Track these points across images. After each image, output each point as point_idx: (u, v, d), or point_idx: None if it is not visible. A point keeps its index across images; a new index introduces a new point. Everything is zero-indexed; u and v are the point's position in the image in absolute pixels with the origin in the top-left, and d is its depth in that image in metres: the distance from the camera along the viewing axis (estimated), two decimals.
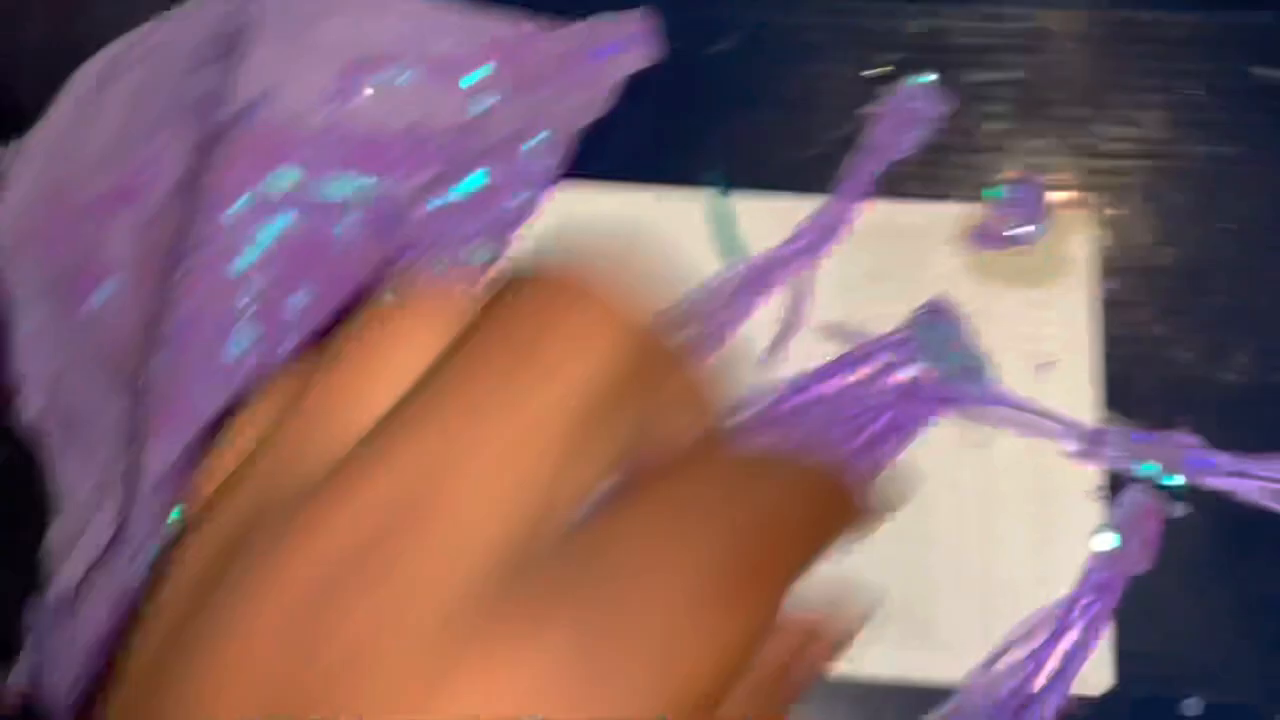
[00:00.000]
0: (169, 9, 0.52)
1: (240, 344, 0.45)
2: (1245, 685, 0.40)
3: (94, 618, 0.41)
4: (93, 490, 0.47)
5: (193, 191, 0.48)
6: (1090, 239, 0.46)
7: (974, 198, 0.46)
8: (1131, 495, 0.42)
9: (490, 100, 0.47)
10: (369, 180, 0.47)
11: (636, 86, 0.48)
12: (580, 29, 0.47)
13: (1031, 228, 0.45)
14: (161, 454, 0.43)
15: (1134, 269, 0.45)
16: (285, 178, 0.46)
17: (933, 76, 0.47)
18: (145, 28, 0.53)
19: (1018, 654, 0.40)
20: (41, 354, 0.50)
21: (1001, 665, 0.40)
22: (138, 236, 0.51)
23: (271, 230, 0.46)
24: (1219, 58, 0.47)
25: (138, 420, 0.45)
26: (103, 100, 0.52)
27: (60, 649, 0.41)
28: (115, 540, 0.42)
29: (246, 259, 0.45)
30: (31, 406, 0.49)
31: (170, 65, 0.51)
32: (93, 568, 0.42)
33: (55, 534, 0.46)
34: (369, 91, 0.48)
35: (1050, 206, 0.45)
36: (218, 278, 0.45)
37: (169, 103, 0.51)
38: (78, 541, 0.46)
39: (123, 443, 0.46)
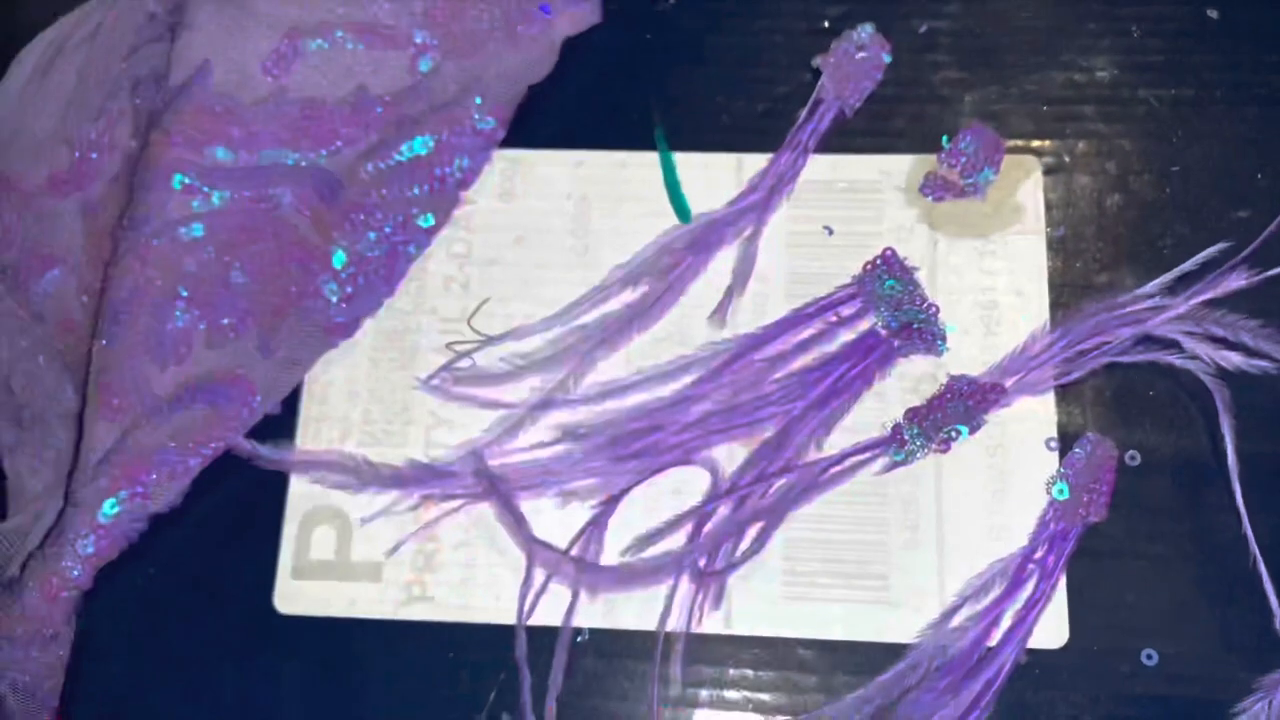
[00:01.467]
0: None
1: (181, 319, 0.44)
2: (1200, 634, 0.40)
3: (31, 606, 0.40)
4: (47, 485, 0.46)
5: (133, 172, 0.47)
6: (1040, 187, 0.45)
7: (923, 149, 0.46)
8: (1085, 445, 0.41)
9: (429, 64, 0.47)
10: (308, 152, 0.46)
11: (579, 47, 0.47)
12: None
13: (981, 177, 0.44)
14: (102, 436, 0.42)
15: (1084, 216, 0.45)
16: (222, 153, 0.46)
17: (876, 27, 0.46)
18: (82, 9, 0.52)
19: (972, 609, 0.40)
20: None
21: (956, 621, 0.40)
22: (83, 223, 0.50)
23: (210, 206, 0.45)
24: (1171, 1, 0.47)
25: (83, 402, 0.45)
26: (45, 85, 0.51)
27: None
28: (55, 527, 0.41)
29: (185, 235, 0.45)
30: None
31: (110, 47, 0.51)
32: (31, 555, 0.41)
33: (6, 529, 0.46)
34: (307, 60, 0.47)
35: (999, 155, 0.45)
36: (156, 254, 0.44)
37: (110, 86, 0.50)
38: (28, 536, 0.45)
39: (72, 434, 0.46)
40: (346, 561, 0.43)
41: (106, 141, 0.51)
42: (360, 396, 0.45)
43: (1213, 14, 0.46)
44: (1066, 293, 0.43)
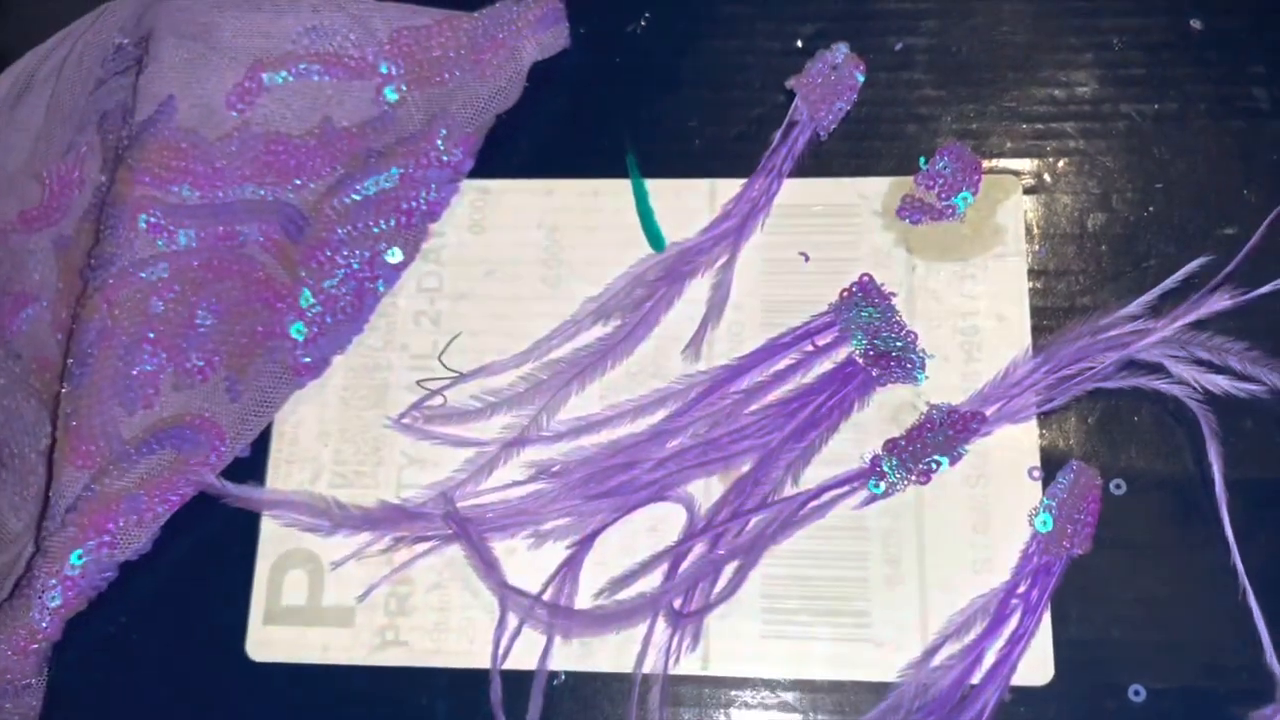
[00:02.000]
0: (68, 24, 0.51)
1: (148, 362, 0.43)
2: (1189, 669, 0.38)
3: (3, 657, 0.40)
4: (28, 522, 0.46)
5: (102, 208, 0.46)
6: (1019, 207, 0.44)
7: (901, 171, 0.45)
8: (1069, 473, 0.40)
9: (395, 95, 0.46)
10: (273, 188, 0.45)
11: (547, 73, 0.46)
12: (484, 15, 0.46)
13: (959, 199, 0.43)
14: (70, 483, 0.42)
15: (1065, 235, 0.44)
16: (188, 191, 0.45)
17: (850, 46, 0.45)
18: (49, 43, 0.51)
19: (955, 646, 0.39)
20: None
21: (938, 659, 0.39)
22: (56, 259, 0.49)
23: (175, 245, 0.44)
24: (1152, 10, 0.46)
25: (54, 446, 0.44)
26: (13, 119, 0.51)
27: None
28: (24, 576, 0.41)
29: (151, 275, 0.44)
30: None
31: (77, 80, 0.50)
32: (1, 606, 0.41)
33: None
34: (271, 93, 0.46)
35: (978, 176, 0.44)
36: (123, 296, 0.43)
37: (79, 119, 0.50)
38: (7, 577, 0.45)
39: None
40: (318, 606, 0.42)
41: (77, 176, 0.50)
42: (331, 436, 0.44)
43: (1196, 24, 0.45)
44: (1049, 316, 0.42)
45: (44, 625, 0.40)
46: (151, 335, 0.43)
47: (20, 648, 0.40)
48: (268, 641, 0.42)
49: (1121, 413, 0.41)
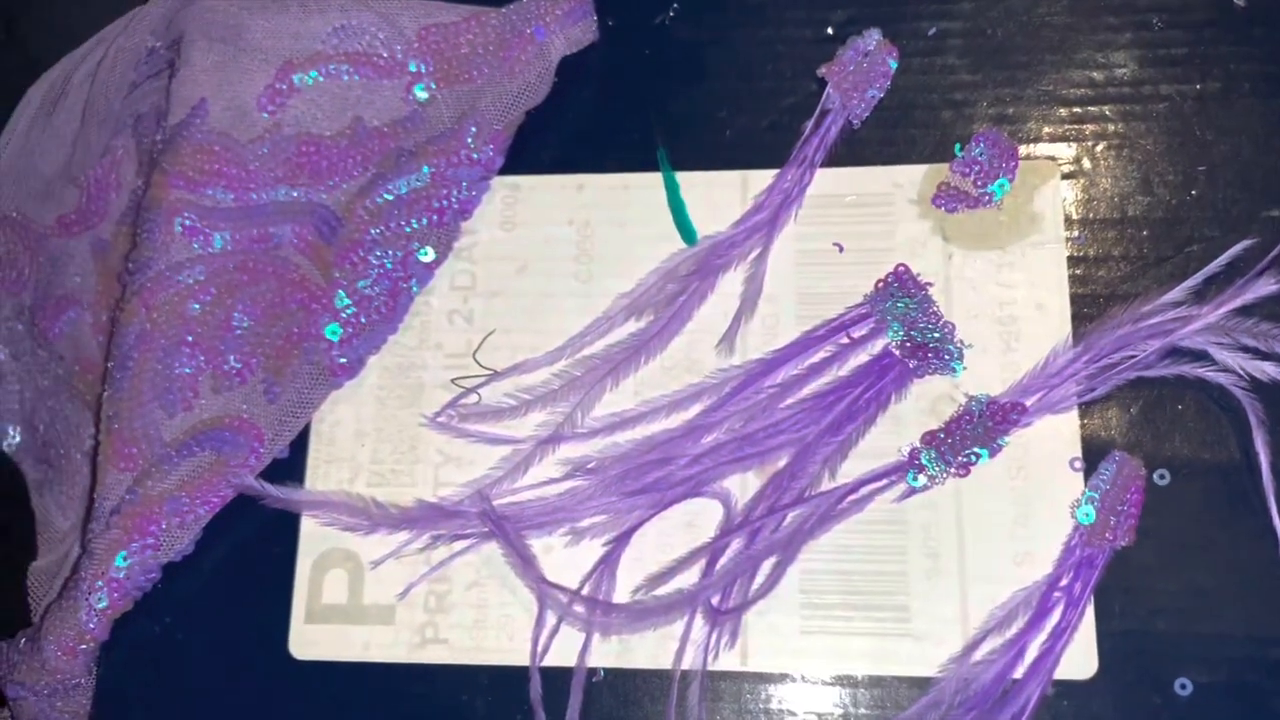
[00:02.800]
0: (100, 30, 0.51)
1: (187, 364, 0.44)
2: (1236, 662, 0.38)
3: (51, 659, 0.40)
4: (74, 522, 0.47)
5: (138, 211, 0.47)
6: (1058, 193, 0.43)
7: (936, 158, 0.44)
8: (1111, 464, 0.39)
9: (425, 93, 0.46)
10: (306, 189, 0.45)
11: (576, 67, 0.46)
12: (511, 11, 0.45)
13: (996, 186, 0.43)
14: (113, 485, 0.42)
15: (1105, 221, 0.43)
16: (221, 193, 0.45)
17: (882, 32, 0.45)
18: (82, 49, 0.52)
19: (996, 640, 0.38)
20: (11, 386, 0.49)
21: (980, 654, 0.38)
22: (95, 262, 0.50)
23: (211, 248, 0.45)
24: None
25: (97, 449, 0.45)
26: (50, 125, 0.51)
27: (25, 696, 0.41)
28: (70, 578, 0.42)
29: (188, 278, 0.44)
30: (9, 440, 0.48)
31: (111, 84, 0.50)
32: (49, 608, 0.41)
33: (36, 570, 0.46)
34: (302, 94, 0.46)
35: (1015, 162, 0.43)
36: (161, 299, 0.44)
37: (114, 123, 0.50)
38: (56, 577, 0.46)
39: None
40: (359, 605, 0.42)
41: (114, 180, 0.51)
42: (368, 436, 0.44)
43: (1239, 1, 0.44)
44: (1089, 304, 0.42)
45: (91, 626, 0.41)
46: (190, 338, 0.44)
47: (69, 648, 0.41)
48: (310, 640, 0.42)
49: (1165, 401, 0.40)
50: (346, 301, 0.44)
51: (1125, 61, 0.44)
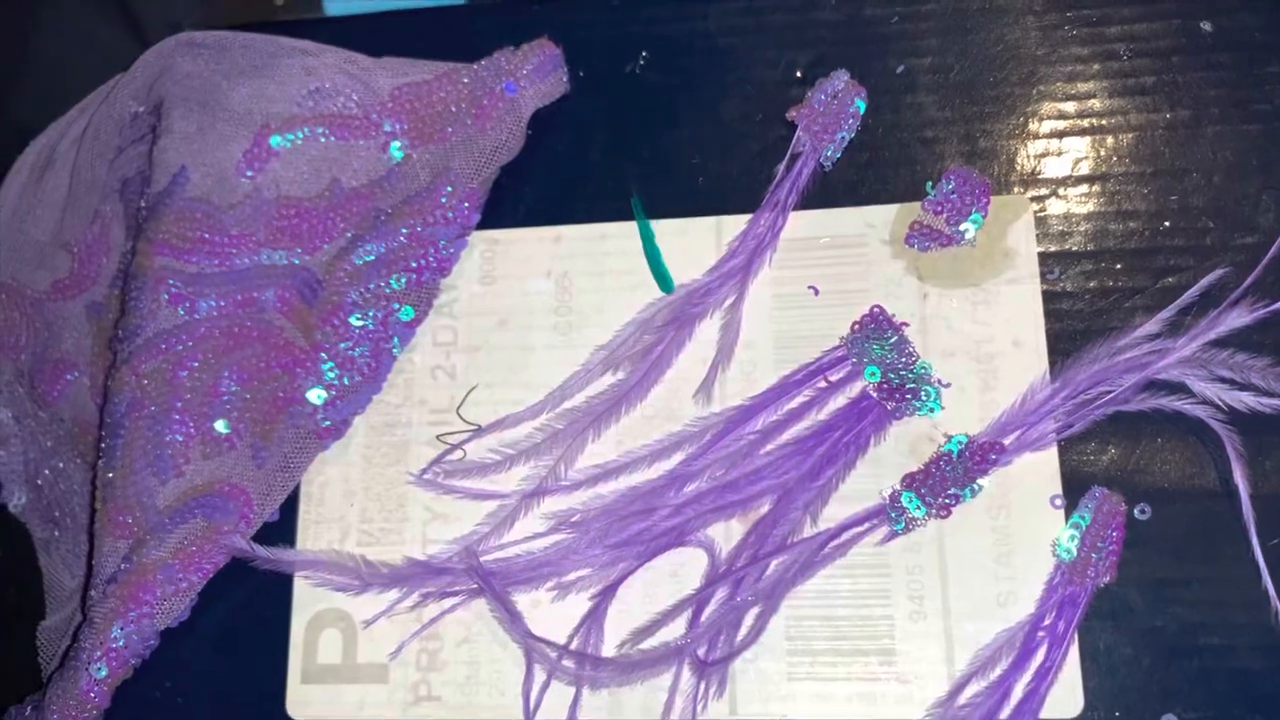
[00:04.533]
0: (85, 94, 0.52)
1: (179, 431, 0.44)
2: (1223, 696, 0.38)
3: None
4: (79, 583, 0.47)
5: (126, 279, 0.48)
6: (1031, 228, 0.43)
7: (909, 197, 0.44)
8: (1092, 500, 0.40)
9: (400, 152, 0.46)
10: (287, 252, 0.46)
11: (549, 120, 0.46)
12: (482, 68, 0.46)
13: (969, 222, 0.43)
14: (109, 554, 0.43)
15: (1079, 254, 0.43)
16: (205, 260, 0.46)
17: (850, 74, 0.45)
18: (68, 115, 0.53)
19: (981, 682, 0.39)
20: (15, 449, 0.50)
21: (965, 696, 0.38)
22: (90, 325, 0.51)
23: (196, 314, 0.45)
24: (1160, 15, 0.44)
25: (92, 516, 0.45)
26: (40, 191, 0.52)
27: None
28: (71, 647, 0.42)
29: (175, 345, 0.45)
30: (16, 501, 0.49)
31: (97, 149, 0.51)
32: (51, 678, 0.42)
33: (44, 631, 0.47)
34: (280, 157, 0.47)
35: (986, 198, 0.43)
36: (150, 366, 0.44)
37: (101, 188, 0.51)
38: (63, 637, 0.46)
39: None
40: (353, 664, 0.43)
41: (104, 244, 0.51)
42: (356, 495, 0.45)
43: (1206, 27, 0.44)
44: (1066, 339, 0.42)
45: (93, 695, 0.42)
46: (179, 404, 0.44)
47: (72, 718, 0.42)
48: (307, 700, 0.43)
49: (1143, 436, 0.40)
50: (330, 364, 0.44)
51: (1094, 92, 0.44)
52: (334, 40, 0.48)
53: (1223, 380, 0.39)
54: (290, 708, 0.43)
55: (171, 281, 0.46)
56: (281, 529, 0.44)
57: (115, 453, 0.44)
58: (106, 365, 0.49)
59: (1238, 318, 0.39)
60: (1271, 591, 0.38)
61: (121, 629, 0.41)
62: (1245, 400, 0.39)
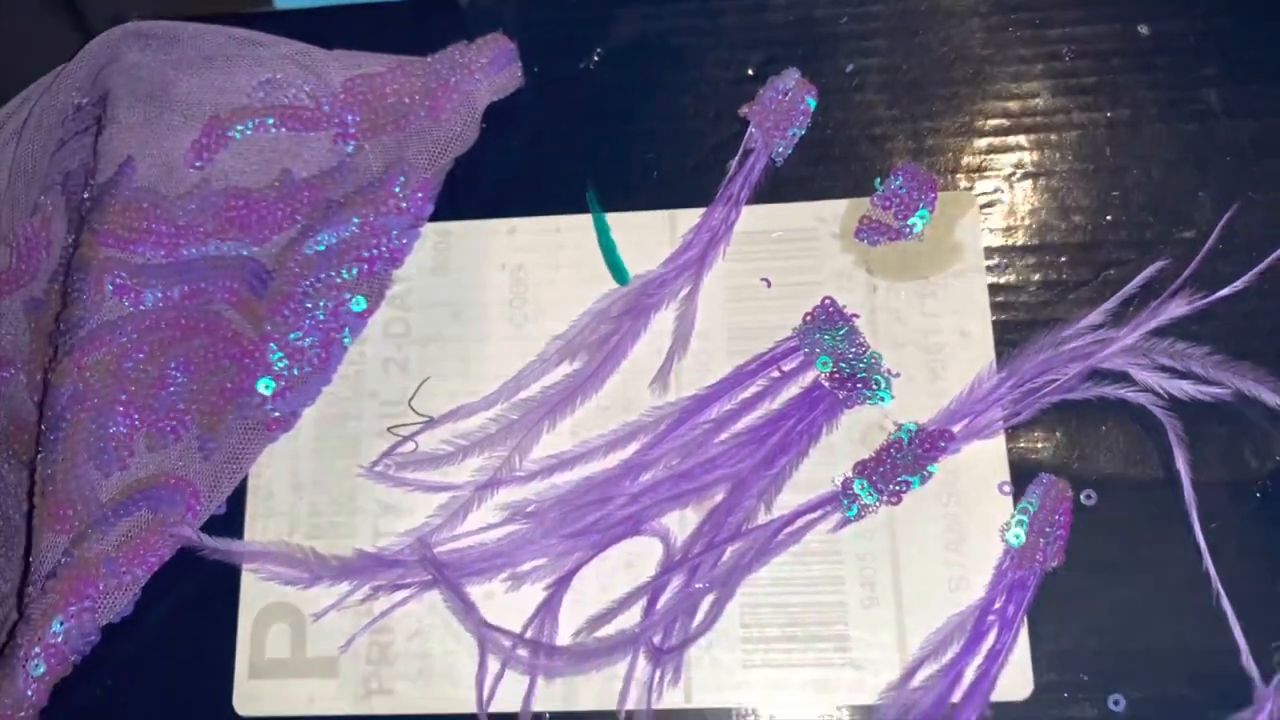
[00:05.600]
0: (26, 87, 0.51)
1: (122, 423, 0.43)
2: (1167, 676, 0.39)
3: None
4: (12, 587, 0.46)
5: (68, 271, 0.47)
6: (977, 223, 0.44)
7: (858, 192, 0.45)
8: (1039, 486, 0.40)
9: (353, 144, 0.46)
10: (236, 243, 0.45)
11: (503, 113, 0.47)
12: (436, 60, 0.46)
13: (916, 217, 0.44)
14: (48, 548, 0.42)
15: (1024, 248, 0.44)
16: (151, 251, 0.45)
17: (801, 71, 0.45)
18: (8, 106, 0.51)
19: (934, 666, 0.39)
20: None
21: (918, 680, 0.39)
22: (28, 320, 0.50)
23: (142, 305, 0.44)
24: (1100, 18, 0.46)
25: (32, 511, 0.44)
26: None
27: None
28: (6, 645, 0.41)
29: (120, 336, 0.44)
30: None
31: (39, 141, 0.50)
32: None
33: None
34: (230, 148, 0.46)
35: (933, 194, 0.44)
36: (94, 358, 0.44)
37: (42, 180, 0.50)
38: None
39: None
40: (302, 658, 0.42)
41: (44, 238, 0.50)
42: (305, 488, 0.44)
43: (1144, 30, 0.45)
44: (1012, 330, 0.43)
45: (29, 694, 0.40)
46: (124, 396, 0.44)
47: (8, 717, 0.40)
48: (254, 695, 0.42)
49: (1088, 423, 0.41)
50: (279, 354, 0.44)
51: (1038, 92, 0.45)
52: (284, 35, 0.47)
53: (1164, 369, 0.40)
54: (238, 704, 0.42)
55: (117, 273, 0.45)
56: (228, 522, 0.44)
57: (56, 445, 0.43)
58: (45, 361, 0.48)
59: (1177, 308, 0.41)
60: (1213, 573, 0.38)
61: (61, 624, 0.40)
62: (1185, 388, 0.40)
